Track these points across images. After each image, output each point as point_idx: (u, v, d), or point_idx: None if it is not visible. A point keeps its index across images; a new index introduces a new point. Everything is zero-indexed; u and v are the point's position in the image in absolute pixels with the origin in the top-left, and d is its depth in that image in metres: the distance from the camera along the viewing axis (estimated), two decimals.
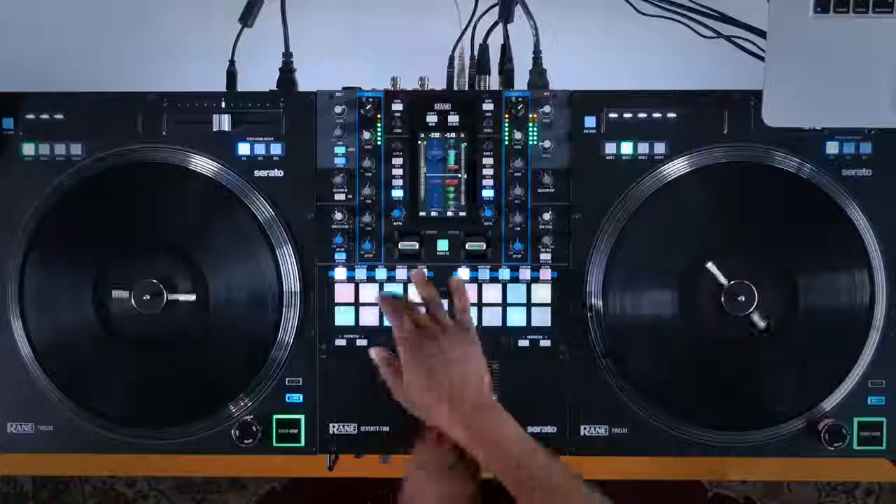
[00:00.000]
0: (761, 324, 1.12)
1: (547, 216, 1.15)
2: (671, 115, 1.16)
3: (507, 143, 1.16)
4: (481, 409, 1.01)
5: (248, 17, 1.23)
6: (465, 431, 0.99)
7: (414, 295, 1.12)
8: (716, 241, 1.15)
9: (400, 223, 1.17)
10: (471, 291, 1.16)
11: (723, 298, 1.13)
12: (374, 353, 1.07)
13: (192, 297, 1.15)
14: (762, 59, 1.12)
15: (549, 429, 1.16)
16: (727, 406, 1.15)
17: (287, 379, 1.17)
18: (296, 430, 1.17)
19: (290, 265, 1.16)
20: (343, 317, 1.17)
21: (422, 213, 1.16)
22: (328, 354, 1.17)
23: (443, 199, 1.16)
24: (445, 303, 1.09)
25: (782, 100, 1.09)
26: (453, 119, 1.16)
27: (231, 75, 1.24)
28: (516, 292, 1.16)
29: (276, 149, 1.17)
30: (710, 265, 1.13)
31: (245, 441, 1.15)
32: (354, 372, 1.17)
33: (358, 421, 1.17)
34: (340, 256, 1.17)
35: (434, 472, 1.05)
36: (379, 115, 1.16)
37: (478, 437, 0.99)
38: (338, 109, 1.16)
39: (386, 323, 1.16)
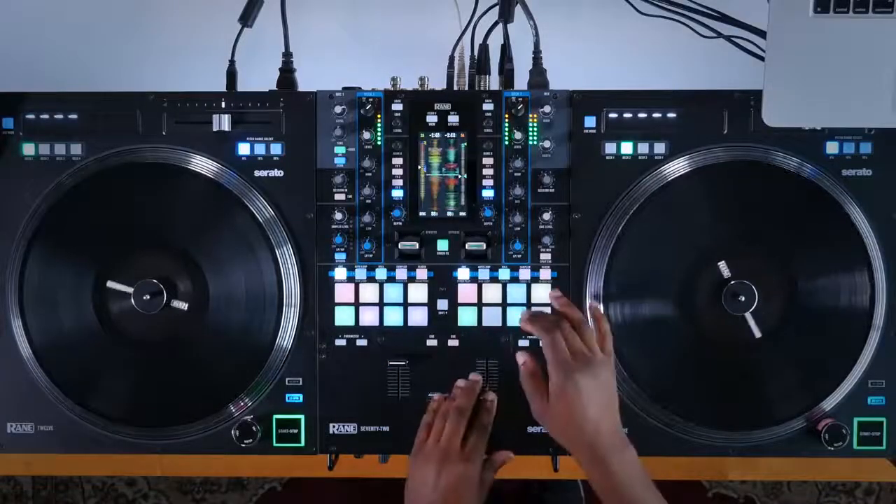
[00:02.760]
0: (756, 332, 1.12)
1: (547, 216, 1.15)
2: (671, 115, 1.16)
3: (507, 143, 1.16)
4: (622, 450, 1.01)
5: (247, 17, 1.23)
6: (600, 474, 0.99)
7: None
8: (716, 241, 1.15)
9: (400, 223, 1.17)
10: (471, 291, 1.16)
11: (723, 298, 1.13)
12: (521, 358, 1.08)
13: (184, 307, 1.14)
14: (762, 59, 1.12)
15: None
16: (727, 406, 1.16)
17: (287, 379, 1.17)
18: (296, 430, 1.17)
19: (290, 265, 1.16)
20: (343, 317, 1.17)
21: (422, 213, 1.16)
22: (328, 354, 1.17)
23: (443, 199, 1.16)
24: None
25: (782, 100, 1.09)
26: (453, 119, 1.16)
27: (231, 75, 1.24)
28: (516, 292, 1.16)
29: (276, 149, 1.17)
30: (723, 264, 1.13)
31: (245, 441, 1.15)
32: (354, 372, 1.17)
33: (358, 421, 1.17)
34: (340, 256, 1.17)
35: (441, 462, 1.06)
36: (379, 115, 1.16)
37: (613, 480, 0.99)
38: (338, 109, 1.16)
39: (386, 322, 1.17)
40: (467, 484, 1.06)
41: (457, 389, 1.12)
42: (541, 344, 1.05)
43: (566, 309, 1.09)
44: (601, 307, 1.13)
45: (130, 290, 1.14)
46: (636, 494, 0.98)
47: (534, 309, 1.14)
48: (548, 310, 1.13)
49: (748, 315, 1.12)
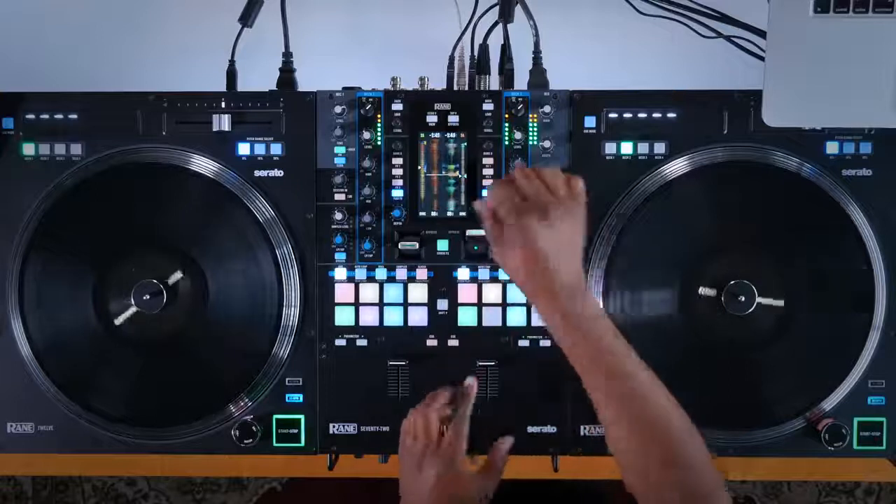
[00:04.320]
0: (779, 302, 1.12)
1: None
2: (671, 115, 1.16)
3: (507, 143, 1.16)
4: (576, 297, 0.94)
5: (247, 17, 1.23)
6: (559, 322, 0.94)
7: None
8: (716, 240, 1.15)
9: (400, 223, 1.17)
10: (471, 291, 1.16)
11: (723, 298, 1.13)
12: (478, 205, 1.01)
13: (180, 275, 1.14)
14: (762, 59, 1.12)
15: (549, 429, 1.17)
16: (727, 406, 1.15)
17: (287, 379, 1.17)
18: (296, 430, 1.17)
19: (290, 265, 1.16)
20: (343, 317, 1.17)
21: (422, 213, 1.16)
22: (328, 354, 1.17)
23: (443, 199, 1.16)
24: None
25: (782, 100, 1.09)
26: (453, 119, 1.16)
27: (231, 75, 1.24)
28: (516, 292, 1.16)
29: (276, 149, 1.17)
30: (703, 290, 1.13)
31: (245, 441, 1.15)
32: (354, 372, 1.17)
33: (358, 421, 1.17)
34: (340, 256, 1.17)
35: (422, 456, 1.06)
36: (379, 115, 1.16)
37: (573, 328, 0.93)
38: (338, 109, 1.16)
39: (386, 322, 1.17)
40: (448, 477, 1.05)
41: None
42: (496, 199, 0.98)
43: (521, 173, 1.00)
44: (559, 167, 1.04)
45: (133, 309, 1.15)
46: (596, 339, 0.92)
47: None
48: None
49: (760, 299, 1.12)
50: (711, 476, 0.88)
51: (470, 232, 1.16)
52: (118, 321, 1.14)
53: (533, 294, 0.96)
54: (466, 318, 1.17)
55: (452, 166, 1.16)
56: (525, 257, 0.94)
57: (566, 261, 0.95)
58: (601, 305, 1.12)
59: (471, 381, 1.14)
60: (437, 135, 1.16)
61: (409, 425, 1.09)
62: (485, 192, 1.15)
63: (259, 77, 1.21)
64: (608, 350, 0.93)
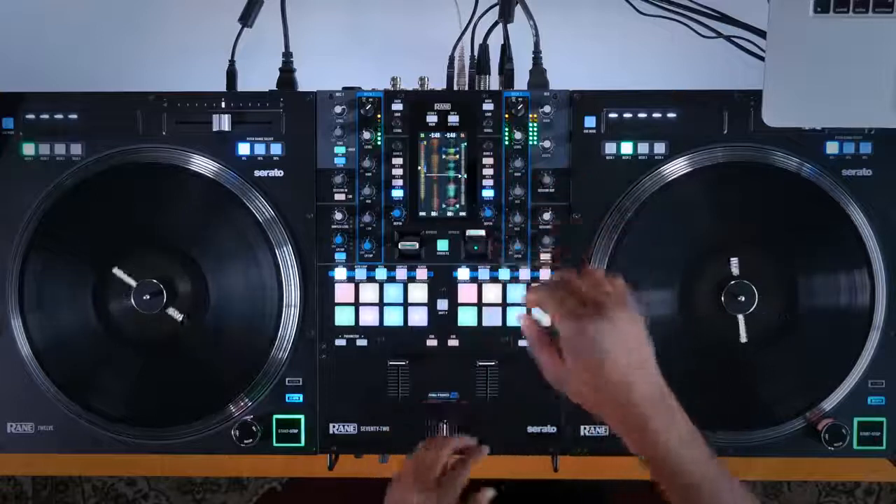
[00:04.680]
0: (743, 336, 1.12)
1: (547, 216, 1.15)
2: (671, 115, 1.16)
3: (507, 143, 1.16)
4: (660, 413, 0.82)
5: (247, 17, 1.23)
6: (642, 441, 0.82)
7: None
8: (716, 241, 1.15)
9: (400, 223, 1.17)
10: (471, 291, 1.16)
11: (723, 298, 1.13)
12: (523, 320, 0.88)
13: (180, 317, 1.14)
14: (762, 59, 1.12)
15: (549, 429, 1.17)
16: (727, 406, 1.15)
17: (287, 379, 1.17)
18: (296, 430, 1.17)
19: (290, 265, 1.16)
20: (343, 317, 1.17)
21: (422, 213, 1.16)
22: (328, 354, 1.17)
23: (443, 199, 1.16)
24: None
25: (782, 100, 1.09)
26: (453, 119, 1.16)
27: (231, 75, 1.24)
28: (516, 292, 1.16)
29: (276, 149, 1.17)
30: (735, 261, 1.12)
31: (245, 441, 1.15)
32: (354, 372, 1.17)
33: (358, 421, 1.17)
34: (340, 256, 1.17)
35: (418, 484, 1.03)
36: (379, 115, 1.16)
37: (658, 449, 0.81)
38: (338, 109, 1.16)
39: (386, 322, 1.17)
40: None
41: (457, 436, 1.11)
42: (546, 306, 0.86)
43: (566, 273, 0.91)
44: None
45: (133, 283, 1.14)
46: (686, 466, 0.80)
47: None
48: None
49: (740, 318, 1.12)
50: None
51: (470, 232, 1.16)
52: (115, 271, 1.14)
53: (613, 417, 0.84)
54: (466, 318, 1.17)
55: (452, 166, 1.16)
56: (596, 368, 0.81)
57: (641, 368, 0.83)
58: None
59: (485, 448, 1.10)
60: (437, 135, 1.16)
61: (417, 461, 1.05)
62: (485, 193, 1.15)
63: (259, 77, 1.21)
64: (703, 484, 0.82)
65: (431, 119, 1.16)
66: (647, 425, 0.81)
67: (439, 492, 1.02)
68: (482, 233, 1.14)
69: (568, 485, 1.38)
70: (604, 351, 0.81)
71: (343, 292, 1.17)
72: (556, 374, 0.86)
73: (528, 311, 0.90)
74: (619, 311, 0.83)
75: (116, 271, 1.14)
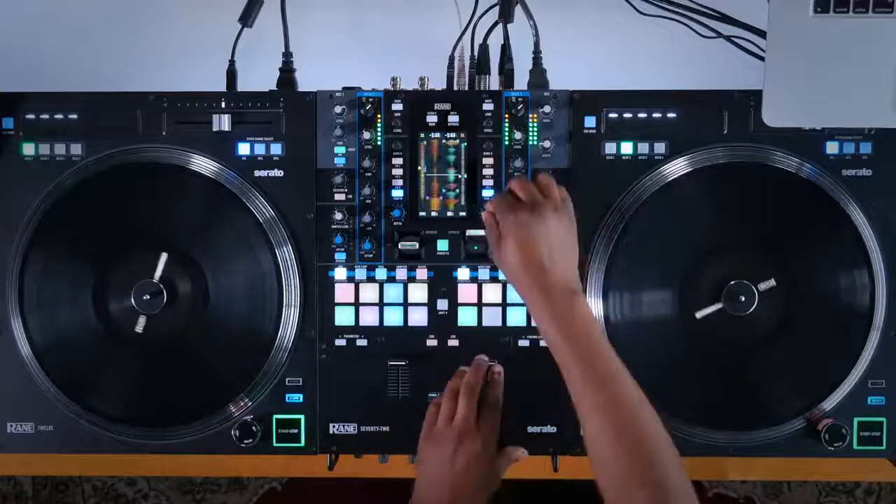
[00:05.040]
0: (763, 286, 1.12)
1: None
2: (671, 115, 1.16)
3: (507, 143, 1.16)
4: (571, 298, 0.98)
5: (247, 17, 1.23)
6: (550, 322, 0.97)
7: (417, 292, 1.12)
8: (716, 241, 1.15)
9: (400, 223, 1.17)
10: (471, 291, 1.16)
11: (723, 298, 1.13)
12: (484, 215, 1.05)
13: (165, 258, 1.14)
14: (762, 59, 1.12)
15: (549, 429, 1.17)
16: (727, 406, 1.15)
17: (287, 379, 1.17)
18: (296, 430, 1.17)
19: (290, 265, 1.16)
20: (343, 317, 1.17)
21: (422, 213, 1.16)
22: (328, 354, 1.17)
23: (443, 199, 1.16)
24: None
25: (782, 100, 1.09)
26: (453, 119, 1.16)
27: (231, 75, 1.24)
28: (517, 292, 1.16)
29: (276, 149, 1.17)
30: (699, 314, 1.13)
31: (245, 441, 1.15)
32: (354, 372, 1.17)
33: (358, 421, 1.17)
34: (340, 256, 1.17)
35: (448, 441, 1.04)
36: (379, 115, 1.16)
37: (565, 329, 0.96)
38: (338, 109, 1.16)
39: (386, 322, 1.17)
40: (481, 463, 1.03)
41: (461, 370, 1.10)
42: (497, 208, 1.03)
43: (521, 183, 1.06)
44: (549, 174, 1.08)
45: (164, 259, 1.14)
46: (586, 343, 0.95)
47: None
48: None
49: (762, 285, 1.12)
50: (686, 497, 0.89)
51: (470, 232, 1.16)
52: (138, 328, 1.14)
53: (528, 291, 0.99)
54: (466, 318, 1.17)
55: (452, 166, 1.16)
56: (520, 248, 0.99)
57: (560, 260, 0.99)
58: (598, 310, 1.13)
59: (499, 369, 1.11)
60: (437, 135, 1.16)
61: (441, 412, 1.06)
62: (485, 193, 1.16)
63: (259, 77, 1.21)
64: (598, 355, 0.95)
65: (431, 119, 1.16)
66: (550, 306, 0.97)
67: (486, 436, 1.05)
68: (482, 233, 1.14)
69: (568, 485, 1.38)
70: (529, 237, 0.99)
71: (343, 292, 1.17)
72: (495, 249, 1.03)
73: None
74: (550, 212, 1.00)
75: (138, 328, 1.14)
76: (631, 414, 0.92)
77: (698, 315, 1.13)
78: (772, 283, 1.12)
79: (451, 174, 1.16)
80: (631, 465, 0.89)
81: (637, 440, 0.91)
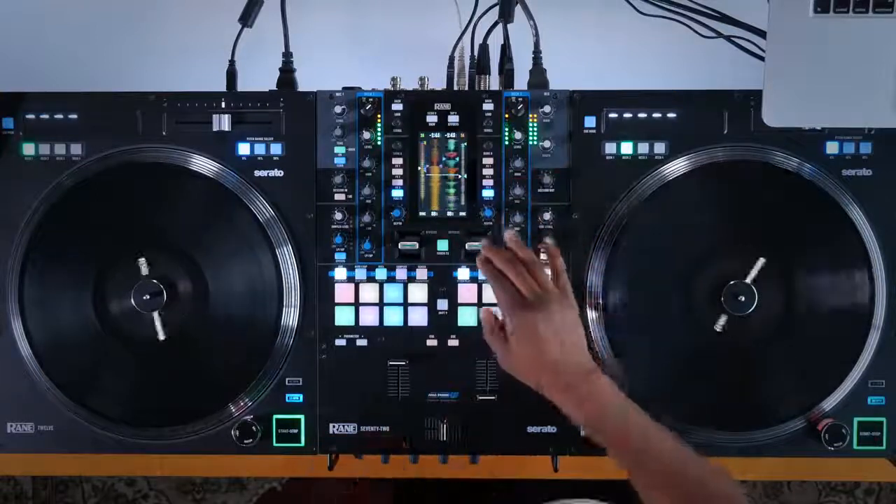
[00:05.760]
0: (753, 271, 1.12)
1: (547, 216, 1.15)
2: (671, 115, 1.16)
3: (507, 143, 1.16)
4: (590, 377, 0.99)
5: (247, 17, 1.23)
6: (578, 408, 0.98)
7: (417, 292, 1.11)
8: (716, 241, 1.15)
9: (400, 223, 1.17)
10: (471, 291, 1.16)
11: (723, 298, 1.13)
12: (483, 313, 1.07)
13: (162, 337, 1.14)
14: (762, 59, 1.12)
15: (549, 429, 1.17)
16: (727, 406, 1.15)
17: (287, 379, 1.17)
18: (296, 430, 1.17)
19: (290, 265, 1.16)
20: (343, 317, 1.17)
21: (422, 213, 1.16)
22: (328, 354, 1.17)
23: (443, 199, 1.16)
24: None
25: (782, 100, 1.09)
26: (453, 119, 1.16)
27: (231, 75, 1.24)
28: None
29: (276, 149, 1.17)
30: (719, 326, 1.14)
31: (245, 441, 1.15)
32: (354, 372, 1.17)
33: (358, 421, 1.17)
34: (340, 256, 1.17)
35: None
36: (379, 115, 1.16)
37: (586, 408, 0.98)
38: (338, 109, 1.16)
39: (386, 322, 1.17)
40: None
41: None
42: (492, 290, 1.04)
43: (517, 248, 1.05)
44: (553, 243, 1.09)
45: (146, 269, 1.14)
46: (611, 417, 0.96)
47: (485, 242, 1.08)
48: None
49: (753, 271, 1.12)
50: None
51: (470, 245, 1.15)
52: (161, 337, 1.14)
53: (547, 389, 1.00)
54: (466, 318, 1.17)
55: (452, 166, 1.16)
56: (533, 350, 1.00)
57: (571, 349, 1.01)
58: (598, 311, 1.15)
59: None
60: (437, 135, 1.16)
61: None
62: (485, 193, 1.16)
63: (259, 77, 1.21)
64: (632, 424, 0.96)
65: (431, 119, 1.16)
66: (574, 391, 0.98)
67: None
68: (479, 245, 1.14)
69: (568, 485, 1.38)
70: (541, 339, 1.00)
71: (343, 292, 1.17)
72: (504, 355, 1.04)
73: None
74: (556, 305, 1.02)
75: (161, 336, 1.14)
76: (679, 473, 0.92)
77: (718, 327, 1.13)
78: (761, 262, 1.12)
79: (451, 174, 1.16)
80: None
81: (693, 496, 0.91)
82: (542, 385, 1.01)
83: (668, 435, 0.95)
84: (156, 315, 1.14)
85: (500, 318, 1.05)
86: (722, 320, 1.13)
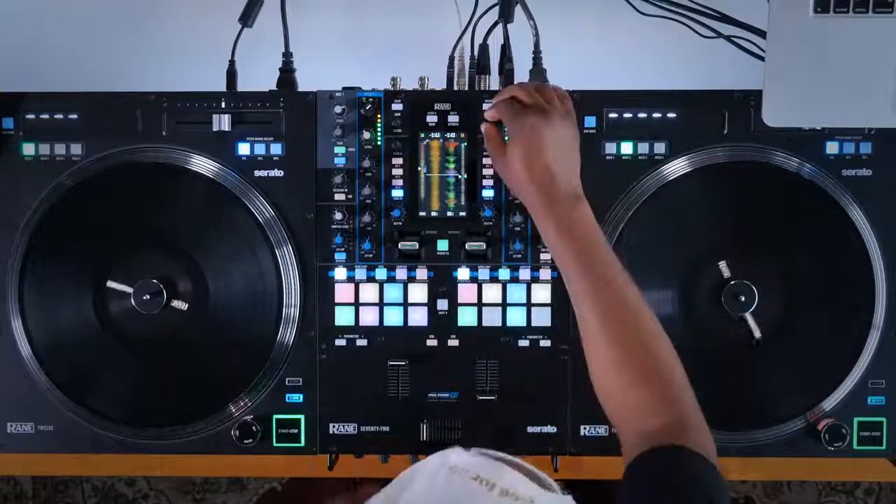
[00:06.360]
0: (756, 332, 1.12)
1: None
2: (671, 115, 1.16)
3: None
4: (575, 203, 0.99)
5: (247, 17, 1.22)
6: (555, 225, 0.98)
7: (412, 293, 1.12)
8: (716, 241, 1.15)
9: (400, 223, 1.17)
10: (471, 291, 1.16)
11: (723, 298, 1.13)
12: (484, 126, 1.07)
13: (184, 307, 1.14)
14: (762, 59, 1.12)
15: (549, 429, 1.17)
16: (727, 406, 1.15)
17: (287, 379, 1.17)
18: (296, 430, 1.17)
19: (290, 265, 1.16)
20: (343, 317, 1.17)
21: (422, 213, 1.16)
22: (328, 354, 1.17)
23: (443, 199, 1.16)
24: None
25: (782, 100, 1.09)
26: (453, 119, 1.16)
27: (231, 75, 1.24)
28: (516, 292, 1.16)
29: (276, 149, 1.17)
30: (723, 264, 1.13)
31: (245, 441, 1.15)
32: (354, 372, 1.17)
33: (358, 421, 1.17)
34: (340, 256, 1.17)
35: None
36: (379, 115, 1.16)
37: (567, 232, 0.98)
38: (338, 109, 1.16)
39: (386, 322, 1.17)
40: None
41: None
42: (497, 109, 1.05)
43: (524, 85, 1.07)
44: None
45: (130, 290, 1.14)
46: (589, 248, 0.97)
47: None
48: None
49: (748, 315, 1.12)
50: (688, 402, 0.92)
51: (470, 245, 1.15)
52: (109, 284, 1.14)
53: (531, 194, 0.99)
54: (466, 318, 1.17)
55: (452, 166, 1.16)
56: (528, 152, 0.99)
57: (566, 166, 1.00)
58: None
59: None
60: (437, 135, 1.16)
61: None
62: (485, 193, 1.16)
63: (259, 77, 1.21)
64: (601, 260, 0.97)
65: (431, 119, 1.16)
66: (554, 212, 0.97)
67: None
68: (483, 245, 1.14)
69: (568, 485, 1.38)
70: (538, 140, 0.99)
71: (343, 292, 1.17)
72: (499, 159, 1.04)
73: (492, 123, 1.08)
74: (559, 118, 1.01)
75: (111, 284, 1.14)
76: (634, 317, 0.94)
77: (721, 265, 1.13)
78: (723, 264, 1.13)
79: (451, 174, 1.16)
80: (631, 366, 0.92)
81: (640, 342, 0.93)
82: (524, 191, 1.01)
83: (630, 283, 0.96)
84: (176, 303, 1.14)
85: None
86: (723, 265, 1.13)
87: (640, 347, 0.93)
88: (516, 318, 1.16)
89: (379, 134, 1.16)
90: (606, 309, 0.94)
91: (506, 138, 1.06)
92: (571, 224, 0.98)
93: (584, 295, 0.96)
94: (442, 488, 0.70)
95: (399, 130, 1.16)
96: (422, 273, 1.17)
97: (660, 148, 1.16)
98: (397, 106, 1.16)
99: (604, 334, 0.94)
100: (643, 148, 1.16)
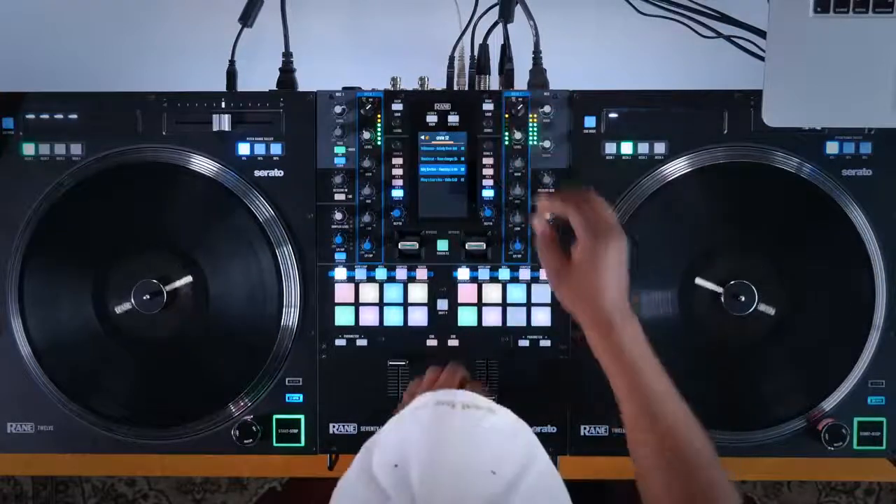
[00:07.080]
0: (770, 311, 1.12)
1: (547, 216, 1.15)
2: (671, 115, 1.16)
3: (507, 142, 1.16)
4: (624, 317, 0.98)
5: (247, 17, 1.23)
6: (604, 337, 0.97)
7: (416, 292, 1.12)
8: (716, 240, 1.15)
9: (400, 223, 1.17)
10: (471, 291, 1.16)
11: (723, 298, 1.13)
12: (539, 225, 1.04)
13: (189, 279, 1.14)
14: (762, 59, 1.12)
15: (549, 429, 1.17)
16: (727, 406, 1.15)
17: (287, 379, 1.17)
18: (296, 430, 1.17)
19: (290, 265, 1.16)
20: (343, 317, 1.17)
21: (422, 214, 1.16)
22: (328, 354, 1.17)
23: (443, 198, 1.16)
24: None
25: (782, 100, 1.09)
26: (453, 119, 1.16)
27: (231, 75, 1.24)
28: (516, 292, 1.16)
29: (276, 149, 1.17)
30: (700, 280, 1.13)
31: (245, 441, 1.15)
32: (354, 372, 1.17)
33: (358, 421, 1.17)
34: (340, 256, 1.17)
35: None
36: (379, 115, 1.16)
37: (614, 342, 0.97)
38: (338, 109, 1.16)
39: (386, 322, 1.17)
40: None
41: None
42: (567, 212, 1.00)
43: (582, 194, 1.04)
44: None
45: (129, 307, 1.15)
46: (636, 359, 0.97)
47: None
48: None
49: (700, 280, 1.13)
50: None
51: (470, 245, 1.15)
52: (119, 310, 1.14)
53: (591, 319, 0.98)
54: (466, 318, 1.17)
55: (452, 166, 1.16)
56: (617, 280, 0.98)
57: (622, 287, 0.99)
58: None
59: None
60: (438, 135, 1.16)
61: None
62: (485, 193, 1.15)
63: (259, 77, 1.21)
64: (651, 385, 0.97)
65: (431, 119, 1.16)
66: (611, 327, 0.97)
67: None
68: (483, 245, 1.14)
69: (567, 484, 1.38)
70: (608, 272, 0.97)
71: (343, 292, 1.17)
72: (558, 270, 1.01)
73: (538, 213, 1.06)
74: (619, 240, 0.99)
75: (119, 309, 1.15)
76: (683, 445, 0.94)
77: (698, 282, 1.14)
78: (704, 282, 1.14)
79: (451, 174, 1.16)
80: (679, 488, 0.92)
81: (689, 467, 0.93)
82: (581, 309, 0.99)
83: (681, 403, 0.97)
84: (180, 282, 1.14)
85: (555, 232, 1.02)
86: (700, 280, 1.14)
87: (689, 470, 0.94)
88: (516, 318, 1.16)
89: (379, 134, 1.16)
90: (658, 437, 0.95)
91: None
92: (622, 334, 0.97)
93: (634, 418, 0.97)
94: (411, 421, 0.84)
95: (399, 130, 1.16)
96: (422, 273, 1.17)
97: (660, 148, 1.16)
98: (397, 106, 1.16)
99: (654, 457, 0.94)
100: (643, 148, 1.16)
